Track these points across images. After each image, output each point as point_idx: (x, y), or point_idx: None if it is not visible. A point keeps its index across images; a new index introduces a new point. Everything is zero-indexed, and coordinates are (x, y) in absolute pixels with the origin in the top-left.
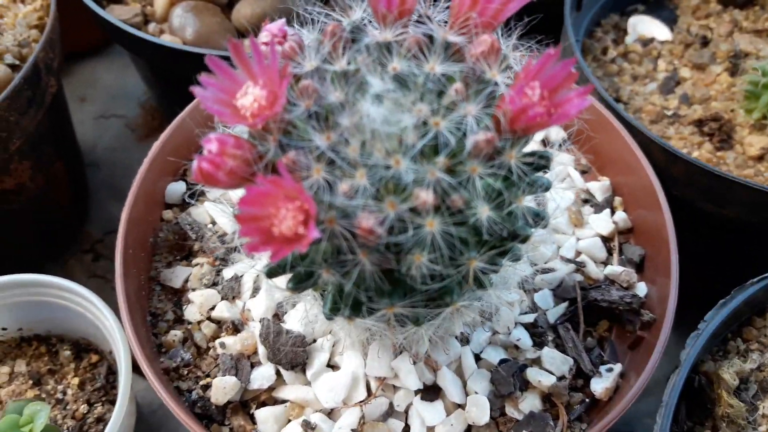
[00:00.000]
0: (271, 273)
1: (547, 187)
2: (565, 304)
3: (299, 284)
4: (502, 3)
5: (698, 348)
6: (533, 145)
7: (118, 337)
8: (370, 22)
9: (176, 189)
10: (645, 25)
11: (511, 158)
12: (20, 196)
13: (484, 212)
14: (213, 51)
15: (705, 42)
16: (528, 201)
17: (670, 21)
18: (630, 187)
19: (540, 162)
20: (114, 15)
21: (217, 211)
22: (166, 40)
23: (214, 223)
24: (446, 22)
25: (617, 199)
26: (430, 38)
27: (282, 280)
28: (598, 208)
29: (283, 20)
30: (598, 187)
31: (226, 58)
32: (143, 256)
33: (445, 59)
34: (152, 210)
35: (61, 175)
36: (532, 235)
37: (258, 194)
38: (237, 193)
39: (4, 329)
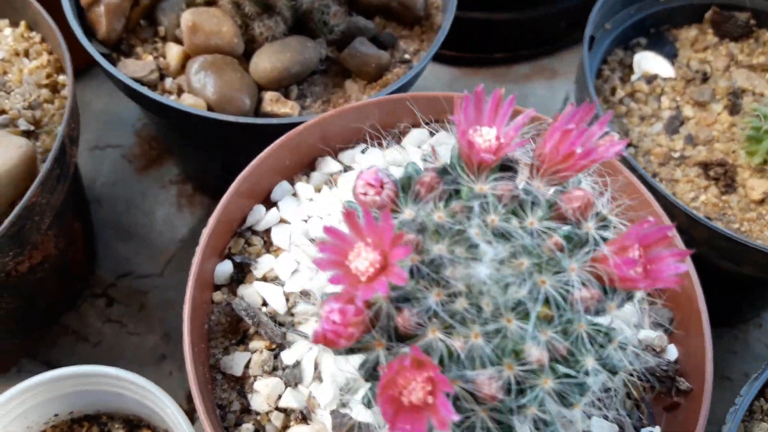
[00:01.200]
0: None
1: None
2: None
3: None
4: (592, 160)
5: (737, 422)
6: None
7: (182, 423)
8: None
9: (224, 270)
10: (648, 62)
11: (612, 309)
12: (45, 264)
13: (589, 363)
14: (240, 119)
15: (705, 78)
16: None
17: (671, 55)
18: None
19: (628, 296)
20: (128, 72)
21: (268, 292)
22: (189, 102)
23: (266, 303)
24: (532, 171)
25: None
26: (525, 192)
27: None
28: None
29: (376, 168)
30: None
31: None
32: (203, 346)
33: (543, 214)
34: (204, 293)
35: (79, 234)
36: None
37: (391, 371)
38: (284, 267)
39: (56, 415)
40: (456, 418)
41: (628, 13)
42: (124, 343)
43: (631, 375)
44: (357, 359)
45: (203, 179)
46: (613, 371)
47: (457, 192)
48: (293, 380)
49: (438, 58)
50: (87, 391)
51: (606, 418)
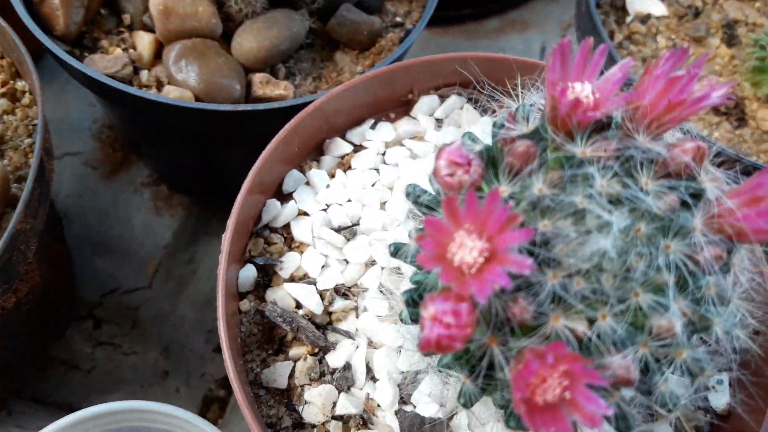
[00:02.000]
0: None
1: None
2: None
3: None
4: (700, 108)
5: None
6: None
7: None
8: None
9: (248, 275)
10: (641, 1)
11: (734, 265)
12: (30, 296)
13: (718, 326)
14: (236, 107)
15: (697, 13)
16: None
17: None
18: None
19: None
20: (99, 68)
21: (300, 292)
22: (175, 94)
23: (299, 306)
24: (631, 125)
25: None
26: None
27: None
28: None
29: (459, 142)
30: None
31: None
32: (240, 363)
33: (653, 171)
34: (230, 304)
35: (60, 256)
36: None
37: (531, 370)
38: (312, 263)
39: None
40: (611, 411)
41: None
42: (120, 365)
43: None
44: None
45: (180, 178)
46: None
47: (554, 161)
48: (345, 384)
49: None
50: (129, 428)
51: None
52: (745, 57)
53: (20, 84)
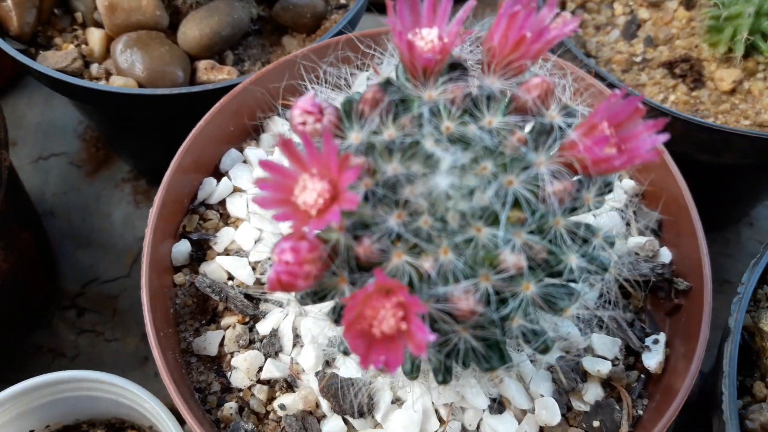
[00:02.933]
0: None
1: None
2: (598, 286)
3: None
4: (546, 42)
5: (743, 311)
6: None
7: (163, 416)
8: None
9: (181, 250)
10: None
11: (588, 201)
12: None
13: (572, 261)
14: (174, 90)
15: None
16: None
17: None
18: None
19: (606, 187)
20: (50, 64)
21: (232, 264)
22: (119, 83)
23: (231, 278)
24: (483, 67)
25: None
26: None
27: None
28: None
29: (312, 93)
30: None
31: (181, 96)
32: (169, 331)
33: (499, 109)
34: (163, 277)
35: (30, 245)
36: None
37: (355, 302)
38: (246, 237)
39: (31, 431)
40: (432, 338)
41: None
42: (102, 351)
43: (626, 280)
44: (328, 306)
45: (156, 171)
46: (601, 268)
47: (405, 105)
48: (272, 350)
49: None
50: (61, 399)
51: (607, 331)
52: (702, 17)
53: None
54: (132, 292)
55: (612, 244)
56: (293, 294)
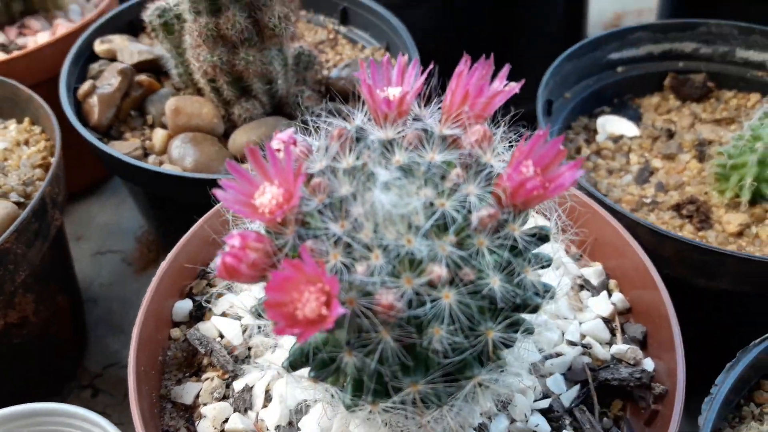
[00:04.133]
0: (294, 365)
1: (548, 262)
2: (577, 387)
3: (322, 370)
4: (489, 97)
5: (714, 411)
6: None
7: None
8: (370, 123)
9: (183, 307)
10: (613, 124)
11: (514, 230)
12: (23, 329)
13: (495, 282)
14: (213, 176)
15: (670, 134)
16: (534, 275)
17: (636, 119)
18: (622, 270)
19: (541, 233)
20: (115, 150)
21: (224, 325)
22: (167, 167)
23: (222, 336)
24: (439, 120)
25: (612, 282)
26: (427, 133)
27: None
28: (595, 292)
29: (292, 129)
30: (592, 272)
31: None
32: (153, 374)
33: (443, 149)
34: (161, 329)
35: (65, 310)
36: (542, 305)
37: (282, 280)
38: (244, 302)
39: None
40: (342, 310)
41: (586, 84)
42: None
43: (605, 383)
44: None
45: None
46: (531, 305)
47: (365, 142)
48: (243, 406)
49: None
50: None
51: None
52: (710, 168)
53: (53, 160)
54: None
55: (547, 290)
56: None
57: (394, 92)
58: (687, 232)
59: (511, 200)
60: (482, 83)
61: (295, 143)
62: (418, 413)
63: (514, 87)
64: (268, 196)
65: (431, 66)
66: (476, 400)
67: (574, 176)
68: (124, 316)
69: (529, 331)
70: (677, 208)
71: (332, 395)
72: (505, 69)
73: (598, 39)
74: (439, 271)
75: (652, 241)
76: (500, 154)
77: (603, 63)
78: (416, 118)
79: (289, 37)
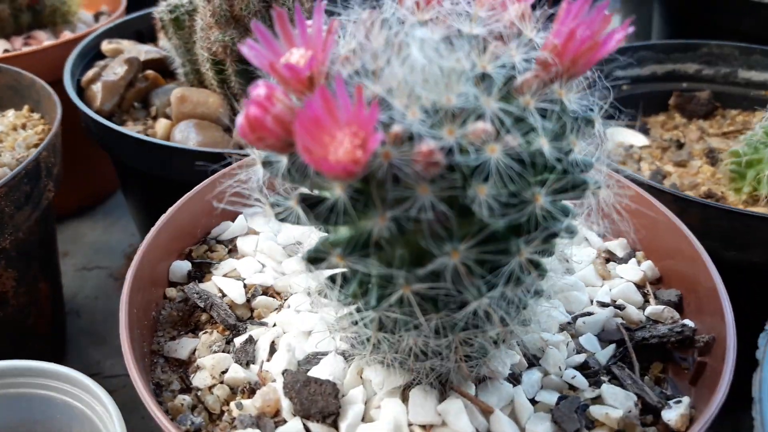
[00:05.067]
0: (318, 254)
1: (590, 165)
2: (612, 347)
3: (350, 248)
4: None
5: None
6: None
7: (115, 421)
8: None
9: (181, 266)
10: (622, 134)
11: (561, 95)
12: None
13: (544, 143)
14: (219, 150)
15: (680, 145)
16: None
17: (644, 131)
18: (651, 238)
19: (588, 117)
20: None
21: (227, 284)
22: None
23: (223, 295)
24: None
25: (639, 253)
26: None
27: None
28: (623, 262)
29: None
30: (617, 245)
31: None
32: (146, 326)
33: (483, 15)
34: (156, 287)
35: (44, 299)
36: (589, 188)
37: (313, 120)
38: (247, 267)
39: None
40: (381, 136)
41: None
42: None
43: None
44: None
45: None
46: (581, 166)
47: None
48: (245, 358)
49: None
50: (9, 396)
51: (619, 383)
52: (724, 168)
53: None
54: (129, 391)
55: (589, 166)
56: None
57: None
58: None
59: (560, 59)
60: None
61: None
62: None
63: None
64: (296, 56)
65: None
66: (517, 294)
67: (623, 33)
68: (108, 328)
69: (572, 231)
70: None
71: (355, 322)
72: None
73: None
74: (484, 125)
75: (676, 209)
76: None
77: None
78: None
79: None
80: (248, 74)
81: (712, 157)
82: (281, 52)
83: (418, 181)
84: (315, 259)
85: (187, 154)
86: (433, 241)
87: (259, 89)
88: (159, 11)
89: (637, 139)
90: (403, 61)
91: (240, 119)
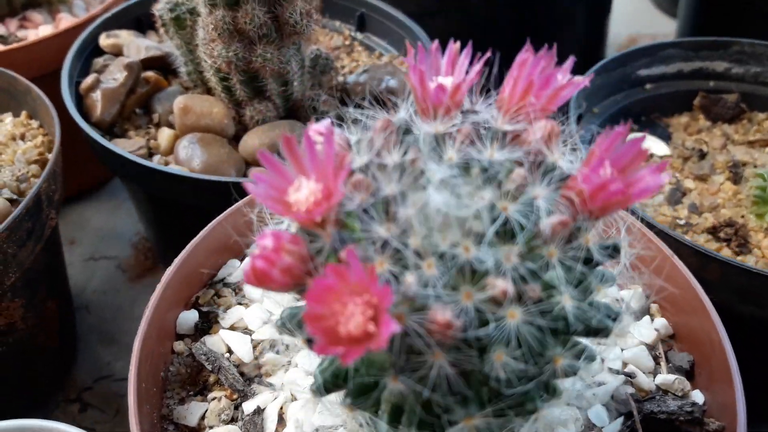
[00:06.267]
0: (326, 388)
1: (613, 281)
2: (620, 420)
3: (360, 397)
4: (555, 89)
5: None
6: None
7: None
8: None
9: (188, 318)
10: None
11: (587, 242)
12: (8, 337)
13: (567, 300)
14: (223, 178)
15: (702, 155)
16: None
17: (665, 137)
18: (665, 292)
19: (615, 245)
20: (118, 147)
21: (234, 340)
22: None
23: (230, 352)
24: (495, 113)
25: (653, 306)
26: (484, 127)
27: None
28: (636, 316)
29: (329, 120)
30: (632, 296)
31: (227, 186)
32: (155, 391)
33: (503, 146)
34: (163, 342)
35: (52, 316)
36: (612, 329)
37: (323, 288)
38: (254, 317)
39: None
40: (398, 327)
41: (615, 99)
42: None
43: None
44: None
45: None
46: (601, 328)
47: (412, 135)
48: (253, 429)
49: None
50: None
51: None
52: (748, 190)
53: (50, 156)
54: None
55: (617, 315)
56: (270, 292)
57: (444, 81)
58: (725, 255)
59: (586, 205)
60: (548, 74)
61: (332, 133)
62: None
63: (583, 80)
64: (304, 191)
65: (488, 53)
66: None
67: (658, 181)
68: (117, 325)
69: (591, 358)
70: (713, 231)
71: (361, 424)
72: (570, 61)
73: (627, 54)
74: (504, 285)
75: (695, 263)
76: (565, 153)
77: (631, 79)
78: (468, 111)
79: (309, 35)
80: (254, 83)
81: (735, 173)
82: (290, 178)
83: (431, 347)
84: (325, 389)
85: (189, 182)
86: (447, 409)
87: (266, 240)
88: (159, 9)
89: (658, 147)
90: (419, 203)
91: (246, 267)
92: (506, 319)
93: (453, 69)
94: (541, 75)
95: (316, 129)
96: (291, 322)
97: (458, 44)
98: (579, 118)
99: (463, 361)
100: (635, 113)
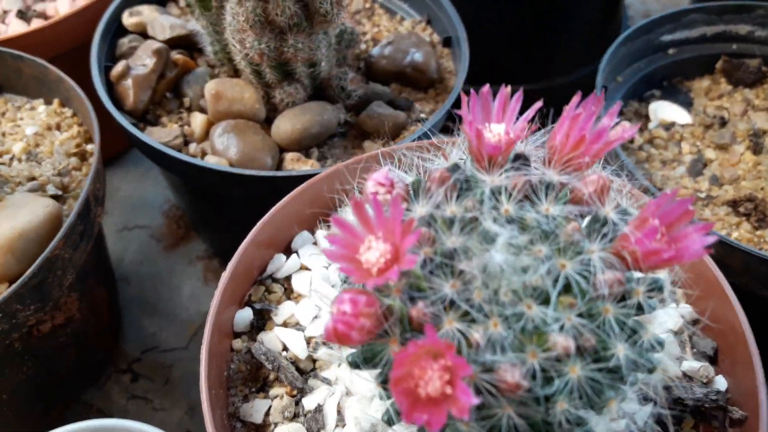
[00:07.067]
0: (389, 423)
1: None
2: (649, 407)
3: None
4: (605, 143)
5: None
6: None
7: None
8: (471, 163)
9: (244, 317)
10: (665, 111)
11: (638, 294)
12: (67, 328)
13: (620, 351)
14: (260, 172)
15: (723, 122)
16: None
17: (687, 104)
18: (689, 279)
19: (658, 286)
20: (154, 138)
21: (289, 337)
22: (212, 161)
23: (286, 349)
24: (545, 161)
25: (678, 292)
26: (538, 179)
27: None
28: (661, 303)
29: (387, 168)
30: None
31: (267, 179)
32: (222, 393)
33: (557, 199)
34: (223, 341)
35: (103, 301)
36: (657, 366)
37: (405, 357)
38: (305, 312)
39: None
40: (476, 401)
41: (638, 66)
42: (149, 419)
43: (679, 401)
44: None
45: (230, 252)
46: (649, 365)
47: (469, 186)
48: (316, 426)
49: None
50: None
51: None
52: (767, 161)
53: (90, 147)
54: (186, 364)
55: (661, 344)
56: (344, 353)
57: (497, 129)
58: (744, 230)
59: (637, 265)
60: (602, 129)
61: (392, 185)
62: None
63: (631, 130)
64: (375, 253)
65: (540, 103)
66: None
67: (705, 242)
68: (158, 295)
69: (633, 383)
70: (734, 204)
71: None
72: (616, 106)
73: (652, 22)
74: (566, 343)
75: (720, 251)
76: (616, 203)
77: (654, 45)
78: (518, 156)
79: (338, 22)
80: (283, 67)
81: (755, 142)
82: (361, 237)
83: (500, 401)
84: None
85: (228, 176)
86: None
87: (344, 305)
88: None
89: (679, 115)
90: (482, 261)
91: (328, 326)
92: (568, 375)
93: (504, 114)
94: (595, 130)
95: (376, 179)
96: (363, 364)
97: (509, 89)
98: (605, 90)
99: (530, 411)
100: (658, 79)
